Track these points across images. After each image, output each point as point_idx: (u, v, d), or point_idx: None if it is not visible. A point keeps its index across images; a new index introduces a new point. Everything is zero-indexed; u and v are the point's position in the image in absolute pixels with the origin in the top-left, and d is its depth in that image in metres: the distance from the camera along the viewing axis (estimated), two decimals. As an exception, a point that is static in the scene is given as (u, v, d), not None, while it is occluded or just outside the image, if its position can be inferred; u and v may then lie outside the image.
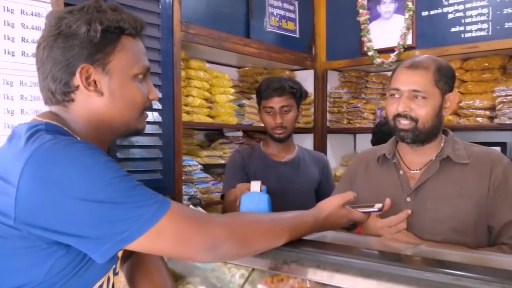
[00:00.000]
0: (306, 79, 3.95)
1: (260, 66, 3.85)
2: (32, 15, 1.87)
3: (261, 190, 1.54)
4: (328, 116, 4.03)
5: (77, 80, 1.07)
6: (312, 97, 3.95)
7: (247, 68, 3.85)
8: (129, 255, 1.34)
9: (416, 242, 1.46)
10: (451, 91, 1.63)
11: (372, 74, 4.00)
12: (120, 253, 1.15)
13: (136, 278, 1.32)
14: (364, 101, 3.94)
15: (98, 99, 1.09)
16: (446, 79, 1.60)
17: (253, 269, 1.28)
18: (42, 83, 1.11)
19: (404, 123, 1.59)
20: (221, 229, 1.04)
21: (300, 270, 1.16)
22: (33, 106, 1.89)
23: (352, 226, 1.62)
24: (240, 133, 3.62)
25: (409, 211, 1.56)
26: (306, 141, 3.99)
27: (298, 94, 2.45)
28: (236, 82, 3.69)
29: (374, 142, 3.05)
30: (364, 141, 4.12)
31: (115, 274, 1.19)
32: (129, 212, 0.95)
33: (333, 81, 4.08)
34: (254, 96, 3.62)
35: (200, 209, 1.83)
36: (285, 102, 2.40)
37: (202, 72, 3.16)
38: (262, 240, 1.12)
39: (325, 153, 3.95)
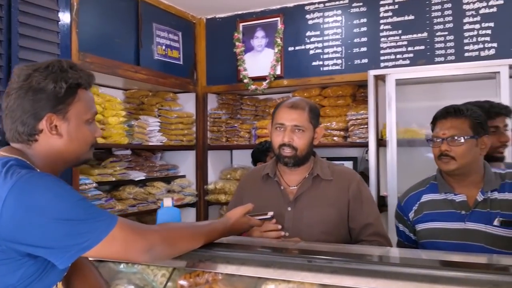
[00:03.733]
0: (188, 101, 4.35)
1: (146, 88, 4.14)
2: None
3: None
4: (209, 135, 4.42)
5: (42, 125, 1.33)
6: (194, 117, 4.33)
7: (133, 91, 4.12)
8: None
9: (295, 240, 1.90)
10: (318, 126, 2.10)
11: (246, 97, 4.48)
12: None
13: (74, 282, 1.57)
14: (240, 121, 4.39)
15: (57, 140, 1.36)
16: (316, 117, 2.06)
17: (174, 269, 1.60)
18: (11, 125, 1.34)
19: (287, 151, 2.00)
20: (155, 234, 1.36)
21: (213, 266, 1.52)
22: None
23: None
24: (128, 152, 3.86)
25: (280, 228, 1.95)
26: (188, 158, 4.36)
27: None
28: (123, 104, 3.91)
29: (254, 162, 3.53)
30: (239, 157, 4.61)
31: (60, 280, 1.46)
32: (89, 226, 1.24)
33: (212, 103, 4.49)
34: (141, 117, 3.89)
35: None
36: None
37: (96, 96, 3.37)
38: (186, 243, 1.46)
39: (206, 168, 4.35)
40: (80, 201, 1.26)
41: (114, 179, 3.58)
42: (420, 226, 2.08)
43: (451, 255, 1.59)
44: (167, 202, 1.89)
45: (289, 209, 2.03)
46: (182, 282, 1.58)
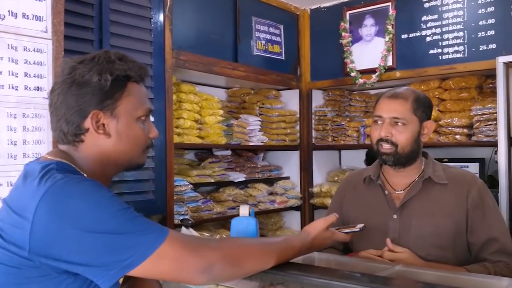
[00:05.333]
0: (291, 98, 4.11)
1: (248, 86, 3.99)
2: (34, 51, 1.96)
3: (249, 214, 1.66)
4: (313, 134, 4.14)
5: (88, 123, 1.19)
6: (298, 115, 4.08)
7: (235, 89, 4.00)
8: (127, 280, 1.45)
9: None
10: (429, 119, 1.78)
11: (355, 92, 4.14)
12: (120, 280, 1.25)
13: None
14: (348, 119, 4.06)
15: (105, 140, 1.21)
16: (423, 108, 1.75)
17: (243, 291, 1.40)
18: (56, 124, 1.21)
19: (386, 147, 1.73)
20: (214, 252, 1.15)
21: (286, 291, 1.28)
22: (35, 136, 1.97)
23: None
24: (228, 152, 3.74)
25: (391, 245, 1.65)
26: (292, 158, 4.13)
27: None
28: (224, 103, 3.81)
29: (367, 162, 3.19)
30: (349, 157, 4.28)
31: None
32: (132, 240, 1.06)
33: (317, 100, 4.20)
34: (241, 116, 3.75)
35: (192, 230, 1.93)
36: None
37: (193, 95, 3.28)
38: (253, 262, 1.23)
39: (311, 169, 4.09)
40: (121, 211, 1.08)
41: (212, 180, 3.46)
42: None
43: None
44: (244, 210, 1.67)
45: (395, 216, 1.74)
46: (251, 307, 1.36)
